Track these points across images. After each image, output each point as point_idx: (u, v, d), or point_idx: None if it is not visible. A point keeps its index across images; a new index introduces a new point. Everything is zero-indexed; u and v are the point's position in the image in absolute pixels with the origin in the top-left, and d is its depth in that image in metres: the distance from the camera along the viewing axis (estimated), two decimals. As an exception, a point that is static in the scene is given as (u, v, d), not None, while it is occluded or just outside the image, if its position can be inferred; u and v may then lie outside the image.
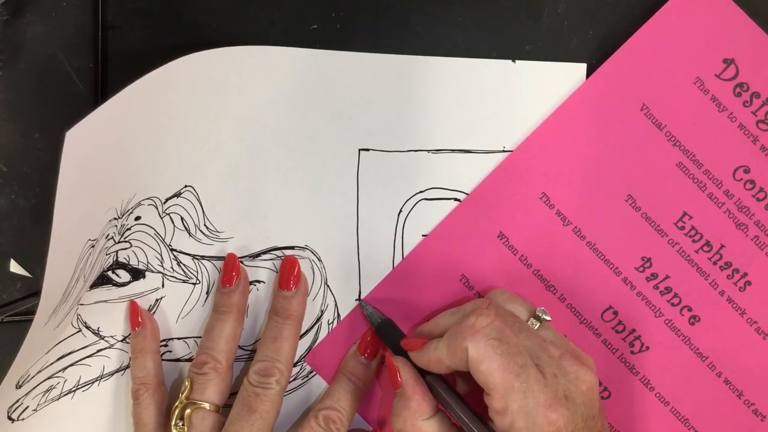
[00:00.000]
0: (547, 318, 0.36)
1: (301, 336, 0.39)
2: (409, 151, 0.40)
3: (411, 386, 0.35)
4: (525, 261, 0.39)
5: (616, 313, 0.39)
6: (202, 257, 0.39)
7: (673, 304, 0.39)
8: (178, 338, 0.40)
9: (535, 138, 0.39)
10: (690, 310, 0.39)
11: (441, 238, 0.39)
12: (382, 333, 0.38)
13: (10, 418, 0.38)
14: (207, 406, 0.37)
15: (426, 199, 0.40)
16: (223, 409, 0.37)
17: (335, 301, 0.40)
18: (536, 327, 0.35)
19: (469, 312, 0.35)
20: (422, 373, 0.36)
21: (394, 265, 0.40)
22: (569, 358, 0.33)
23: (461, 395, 0.35)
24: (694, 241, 0.39)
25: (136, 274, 0.39)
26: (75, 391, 0.38)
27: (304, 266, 0.39)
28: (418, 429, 0.34)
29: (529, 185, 0.39)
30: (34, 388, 0.38)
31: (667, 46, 0.39)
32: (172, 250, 0.39)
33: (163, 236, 0.39)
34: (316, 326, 0.40)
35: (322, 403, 0.37)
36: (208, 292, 0.39)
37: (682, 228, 0.39)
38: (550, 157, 0.39)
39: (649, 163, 0.39)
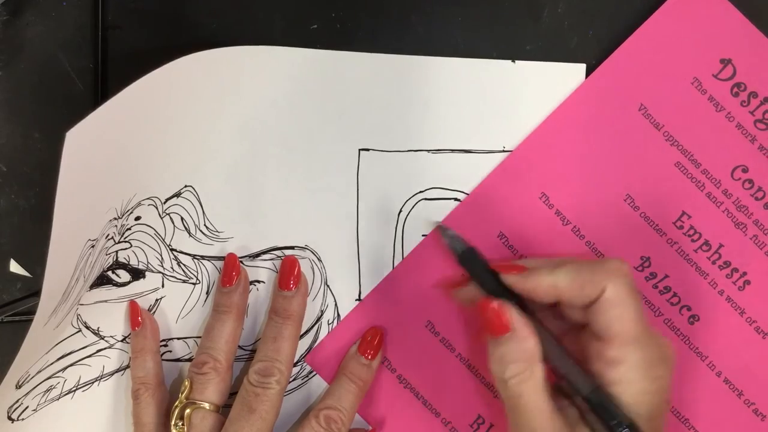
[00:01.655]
0: None
1: (301, 336, 0.39)
2: (409, 151, 0.40)
3: (525, 326, 0.32)
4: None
5: None
6: (202, 257, 0.39)
7: (672, 304, 0.39)
8: (178, 338, 0.40)
9: (534, 138, 0.39)
10: (689, 309, 0.39)
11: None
12: (466, 262, 0.35)
13: (10, 418, 0.38)
14: (207, 406, 0.37)
15: (426, 199, 0.40)
16: (223, 409, 0.37)
17: (335, 301, 0.40)
18: None
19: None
20: None
21: (394, 265, 0.40)
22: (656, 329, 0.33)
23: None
24: (692, 240, 0.39)
25: (136, 274, 0.39)
26: (75, 391, 0.38)
27: (304, 266, 0.39)
28: (536, 374, 0.31)
29: (528, 185, 0.39)
30: (34, 388, 0.38)
31: (665, 46, 0.39)
32: (172, 250, 0.39)
33: (163, 236, 0.39)
34: (316, 326, 0.40)
35: (322, 402, 0.37)
36: (208, 292, 0.39)
37: (681, 227, 0.39)
38: (550, 157, 0.39)
39: (647, 163, 0.39)
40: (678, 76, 0.39)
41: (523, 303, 0.33)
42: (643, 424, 0.30)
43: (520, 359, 0.32)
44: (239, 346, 0.39)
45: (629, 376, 0.31)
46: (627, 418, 0.29)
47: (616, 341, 0.31)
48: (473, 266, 0.35)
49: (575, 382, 0.31)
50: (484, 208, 0.39)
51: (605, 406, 0.29)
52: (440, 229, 0.37)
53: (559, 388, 0.31)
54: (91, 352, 0.39)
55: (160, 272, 0.39)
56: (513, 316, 0.32)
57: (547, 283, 0.32)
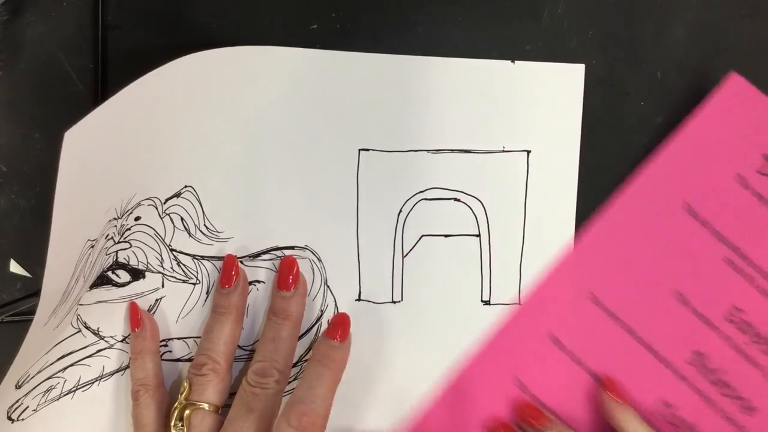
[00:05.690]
0: None
1: (301, 336, 0.39)
2: (409, 151, 0.40)
3: None
4: (579, 362, 0.39)
5: (669, 405, 0.39)
6: (202, 257, 0.39)
7: (728, 396, 0.39)
8: (178, 338, 0.40)
9: (584, 240, 0.39)
10: (744, 401, 0.39)
11: (496, 347, 0.39)
12: None
13: (9, 418, 0.38)
14: (206, 406, 0.37)
15: (426, 199, 0.40)
16: (223, 410, 0.37)
17: (335, 301, 0.40)
18: None
19: None
20: None
21: (394, 265, 0.40)
22: None
23: None
24: (744, 333, 0.39)
25: (136, 274, 0.39)
26: (75, 391, 0.38)
27: (304, 266, 0.39)
28: None
29: (577, 287, 0.39)
30: (34, 388, 0.38)
31: (708, 145, 0.39)
32: (172, 250, 0.39)
33: (163, 236, 0.39)
34: (316, 326, 0.40)
35: (294, 396, 0.35)
36: (208, 293, 0.39)
37: (733, 321, 0.39)
38: (598, 257, 0.39)
39: (695, 259, 0.39)
40: (721, 172, 0.39)
41: None
42: None
43: None
44: (239, 347, 0.39)
45: None
46: None
47: None
48: None
49: None
50: (535, 312, 0.39)
51: None
52: None
53: None
54: (91, 353, 0.39)
55: (160, 272, 0.39)
56: None
57: None
